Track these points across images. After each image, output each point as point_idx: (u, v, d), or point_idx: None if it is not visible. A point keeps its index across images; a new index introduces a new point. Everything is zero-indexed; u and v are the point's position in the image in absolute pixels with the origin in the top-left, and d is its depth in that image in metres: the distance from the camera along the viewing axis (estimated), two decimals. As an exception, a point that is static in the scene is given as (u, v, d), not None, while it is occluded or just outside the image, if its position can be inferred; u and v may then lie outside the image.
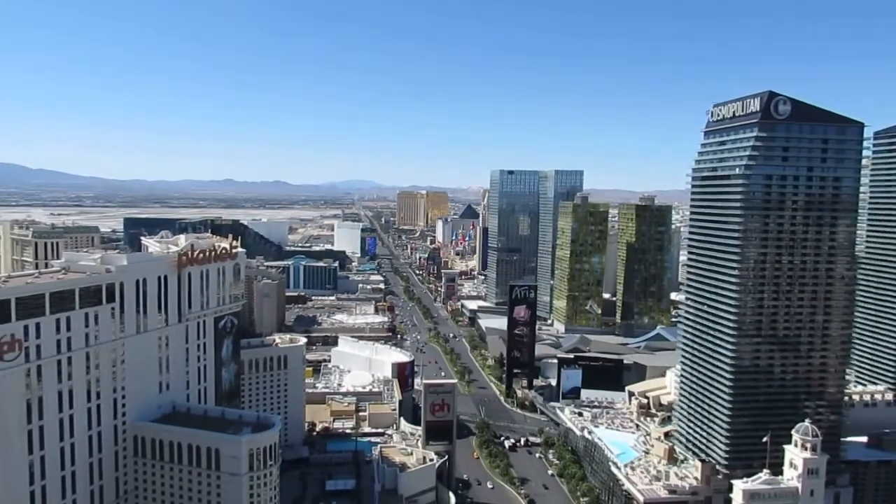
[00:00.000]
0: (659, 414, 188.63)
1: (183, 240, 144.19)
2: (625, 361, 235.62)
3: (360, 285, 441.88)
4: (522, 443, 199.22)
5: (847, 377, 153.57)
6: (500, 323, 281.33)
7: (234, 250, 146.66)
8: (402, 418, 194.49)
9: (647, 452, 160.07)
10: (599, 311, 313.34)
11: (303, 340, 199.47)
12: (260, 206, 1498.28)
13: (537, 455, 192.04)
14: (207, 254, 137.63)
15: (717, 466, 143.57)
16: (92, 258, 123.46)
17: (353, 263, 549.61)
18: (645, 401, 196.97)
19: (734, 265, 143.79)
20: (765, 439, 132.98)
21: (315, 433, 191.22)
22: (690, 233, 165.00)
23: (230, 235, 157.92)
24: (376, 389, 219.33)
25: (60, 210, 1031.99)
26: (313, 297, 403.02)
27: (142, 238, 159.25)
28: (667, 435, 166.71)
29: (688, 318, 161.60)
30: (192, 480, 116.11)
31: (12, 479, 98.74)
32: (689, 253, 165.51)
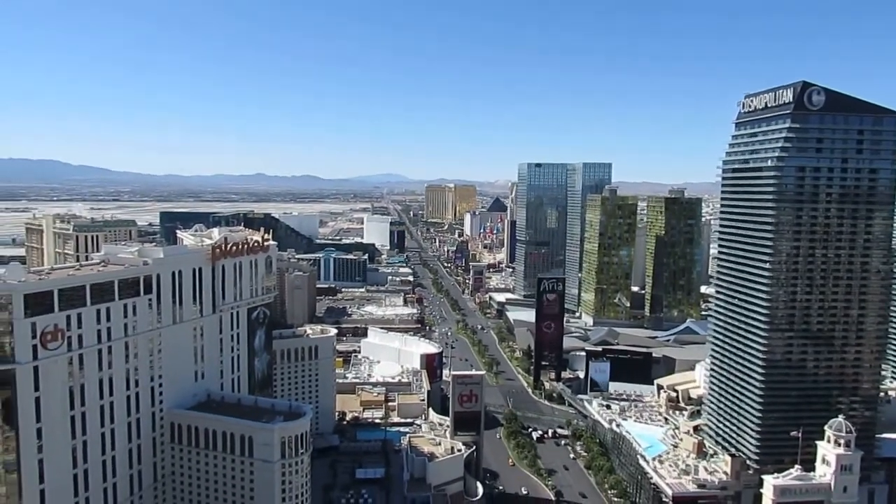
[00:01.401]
0: (688, 408, 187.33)
1: (216, 233, 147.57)
2: (653, 354, 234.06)
3: (390, 277, 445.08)
4: (550, 434, 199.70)
5: (882, 373, 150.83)
6: (528, 315, 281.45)
7: (265, 243, 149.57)
8: (430, 409, 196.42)
9: (675, 446, 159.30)
10: (628, 304, 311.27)
11: (333, 331, 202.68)
12: (291, 200, 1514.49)
13: (564, 445, 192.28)
14: (240, 247, 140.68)
15: (748, 461, 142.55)
16: (130, 251, 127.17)
17: (383, 256, 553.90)
18: (674, 394, 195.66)
19: (766, 258, 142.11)
20: (796, 434, 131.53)
21: (345, 422, 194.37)
22: (721, 226, 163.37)
23: (262, 229, 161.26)
24: (405, 380, 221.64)
25: (100, 205, 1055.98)
26: (343, 289, 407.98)
27: (177, 231, 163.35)
28: (696, 429, 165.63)
29: (718, 312, 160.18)
30: (227, 466, 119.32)
31: (58, 463, 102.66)
32: (720, 246, 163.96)
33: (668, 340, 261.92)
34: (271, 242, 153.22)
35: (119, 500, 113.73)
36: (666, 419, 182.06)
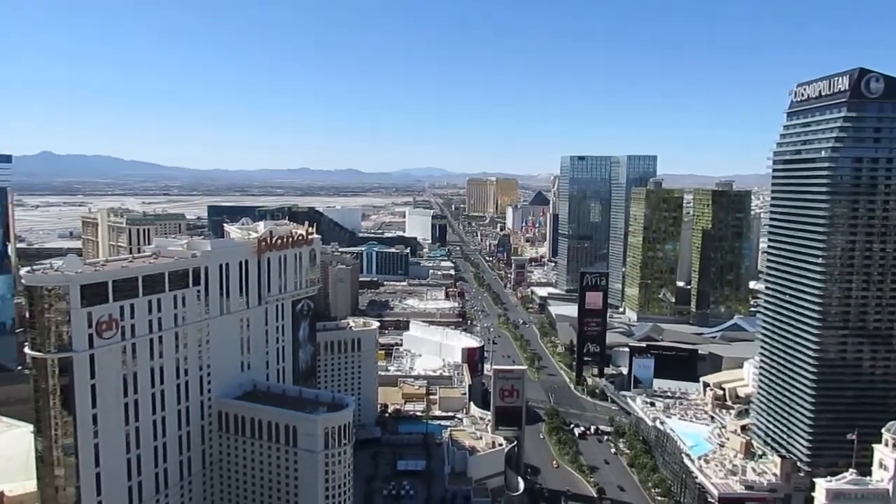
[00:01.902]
0: (735, 406, 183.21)
1: (262, 226, 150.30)
2: (699, 351, 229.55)
3: (431, 271, 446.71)
4: (592, 431, 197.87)
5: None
6: (571, 310, 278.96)
7: (310, 236, 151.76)
8: (471, 403, 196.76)
9: (721, 445, 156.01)
10: (673, 300, 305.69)
11: (375, 324, 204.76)
12: (334, 193, 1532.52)
13: (607, 441, 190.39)
14: (285, 240, 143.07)
15: (799, 463, 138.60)
16: (179, 244, 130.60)
17: (424, 249, 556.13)
18: (721, 392, 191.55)
19: (819, 253, 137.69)
20: (851, 437, 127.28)
21: (387, 415, 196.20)
22: (771, 219, 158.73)
23: (306, 222, 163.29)
24: (447, 374, 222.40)
25: (150, 199, 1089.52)
26: (385, 283, 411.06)
27: (224, 225, 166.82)
28: (744, 428, 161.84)
29: (768, 308, 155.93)
30: (272, 455, 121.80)
31: (112, 447, 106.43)
32: (770, 240, 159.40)
33: (714, 337, 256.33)
34: (315, 236, 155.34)
35: (170, 484, 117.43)
36: (712, 418, 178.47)
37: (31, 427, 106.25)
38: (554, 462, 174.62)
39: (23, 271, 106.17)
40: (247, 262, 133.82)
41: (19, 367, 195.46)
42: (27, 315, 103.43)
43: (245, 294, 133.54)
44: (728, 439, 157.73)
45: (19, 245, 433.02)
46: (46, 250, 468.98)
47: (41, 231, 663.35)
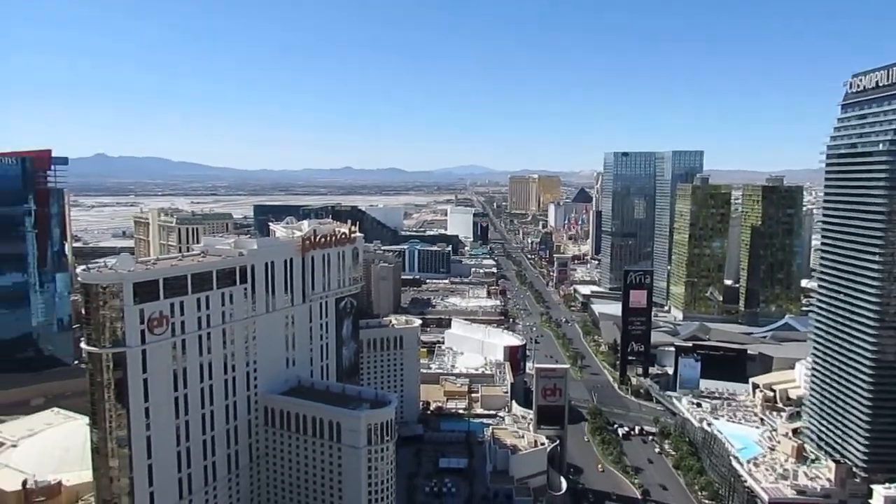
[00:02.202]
0: (786, 409, 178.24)
1: (306, 225, 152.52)
2: (748, 351, 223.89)
3: (473, 269, 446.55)
4: (636, 431, 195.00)
5: None
6: (614, 309, 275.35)
7: (353, 235, 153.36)
8: (513, 401, 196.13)
9: (772, 449, 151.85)
10: (720, 298, 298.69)
11: (418, 322, 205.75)
12: (376, 192, 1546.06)
13: (652, 441, 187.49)
14: (329, 238, 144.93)
15: (854, 469, 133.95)
16: (226, 242, 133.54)
17: (466, 248, 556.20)
18: (771, 394, 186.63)
19: (876, 250, 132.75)
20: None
21: (429, 412, 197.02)
22: (825, 215, 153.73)
23: (349, 221, 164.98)
24: (489, 372, 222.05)
25: (199, 199, 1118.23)
26: (427, 281, 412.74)
27: (269, 224, 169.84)
28: (795, 431, 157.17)
29: (821, 308, 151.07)
30: (316, 450, 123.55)
31: (163, 440, 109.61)
32: (824, 237, 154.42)
33: (764, 337, 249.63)
34: (358, 234, 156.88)
35: (218, 477, 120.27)
36: (762, 420, 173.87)
37: (87, 419, 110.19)
38: (599, 466, 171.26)
39: (79, 269, 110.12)
40: (291, 260, 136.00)
41: (76, 362, 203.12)
42: (83, 311, 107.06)
43: (290, 292, 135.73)
44: (779, 442, 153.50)
45: (75, 244, 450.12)
46: (101, 249, 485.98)
47: (96, 230, 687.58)
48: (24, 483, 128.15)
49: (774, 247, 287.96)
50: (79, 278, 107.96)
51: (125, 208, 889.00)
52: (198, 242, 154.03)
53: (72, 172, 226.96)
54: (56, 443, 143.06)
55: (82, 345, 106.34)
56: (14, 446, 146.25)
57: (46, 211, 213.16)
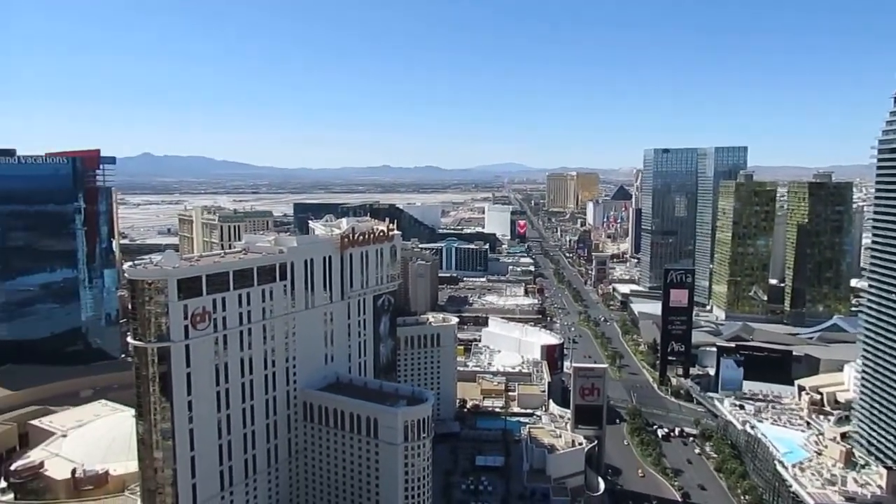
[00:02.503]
0: (834, 412, 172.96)
1: (345, 223, 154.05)
2: (794, 353, 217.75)
3: (510, 267, 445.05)
4: (677, 433, 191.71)
5: None
6: (654, 308, 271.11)
7: (390, 233, 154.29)
8: (550, 400, 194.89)
9: (819, 453, 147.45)
10: (765, 298, 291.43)
11: (455, 320, 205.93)
12: (414, 190, 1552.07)
13: (692, 443, 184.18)
14: (367, 236, 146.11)
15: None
16: (267, 240, 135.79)
17: (504, 246, 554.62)
18: (818, 397, 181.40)
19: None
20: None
21: (466, 410, 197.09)
22: (875, 212, 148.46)
23: (387, 219, 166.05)
24: (525, 370, 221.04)
25: (240, 197, 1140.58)
26: (465, 279, 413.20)
27: (309, 222, 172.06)
28: (843, 436, 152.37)
29: (872, 308, 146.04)
30: (353, 446, 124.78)
31: (206, 433, 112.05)
32: (874, 235, 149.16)
33: (811, 338, 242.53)
34: (396, 232, 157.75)
35: (258, 470, 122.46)
36: (808, 423, 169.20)
37: (133, 411, 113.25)
38: (640, 471, 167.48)
39: (126, 266, 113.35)
40: (330, 257, 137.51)
41: (122, 355, 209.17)
42: (129, 307, 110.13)
43: (329, 289, 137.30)
44: (826, 447, 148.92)
45: (122, 241, 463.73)
46: (147, 246, 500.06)
47: (142, 228, 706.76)
48: (74, 472, 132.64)
49: (822, 245, 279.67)
50: (125, 274, 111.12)
51: (170, 206, 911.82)
52: (239, 240, 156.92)
53: (119, 171, 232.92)
54: (103, 433, 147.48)
55: (128, 339, 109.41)
56: (64, 436, 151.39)
57: (95, 209, 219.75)
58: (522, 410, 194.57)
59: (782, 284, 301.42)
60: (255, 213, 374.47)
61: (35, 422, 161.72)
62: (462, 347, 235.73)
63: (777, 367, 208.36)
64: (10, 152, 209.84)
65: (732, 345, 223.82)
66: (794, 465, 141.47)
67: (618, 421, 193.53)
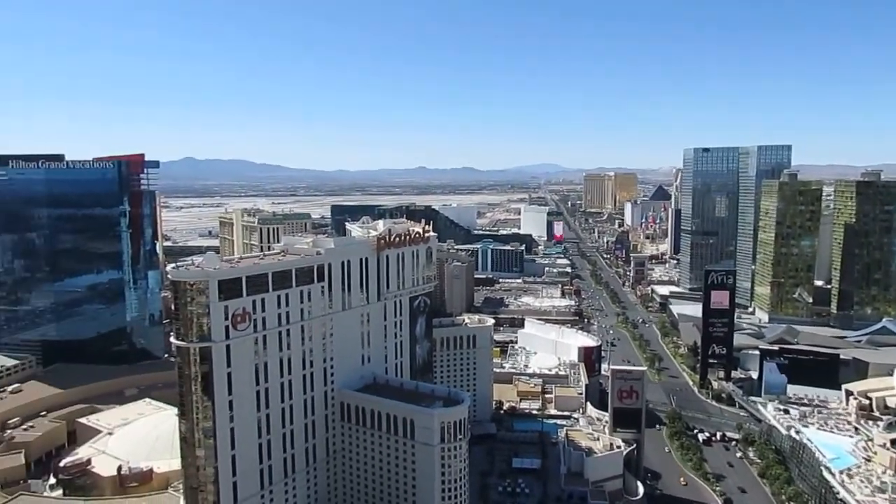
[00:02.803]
0: (884, 418, 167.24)
1: (381, 225, 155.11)
2: (841, 356, 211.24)
3: (547, 269, 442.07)
4: (718, 437, 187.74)
5: None
6: (694, 310, 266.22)
7: (426, 234, 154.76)
8: (588, 403, 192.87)
9: (867, 460, 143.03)
10: (810, 300, 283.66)
11: (491, 321, 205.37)
12: (450, 191, 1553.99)
13: (735, 447, 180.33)
14: (403, 238, 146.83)
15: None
16: (305, 242, 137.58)
17: (540, 247, 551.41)
18: (866, 402, 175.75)
19: None
20: None
21: (502, 411, 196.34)
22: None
23: (423, 220, 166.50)
24: (562, 372, 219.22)
25: (279, 199, 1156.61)
26: (500, 280, 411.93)
27: (346, 223, 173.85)
28: (894, 442, 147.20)
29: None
30: (390, 447, 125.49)
31: (246, 432, 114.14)
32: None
33: (859, 341, 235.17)
34: (431, 234, 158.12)
35: (296, 469, 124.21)
36: (856, 429, 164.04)
37: (176, 410, 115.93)
38: (682, 479, 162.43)
39: (169, 267, 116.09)
40: (367, 259, 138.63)
41: (166, 355, 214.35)
42: (172, 307, 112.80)
43: (365, 290, 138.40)
44: (875, 453, 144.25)
45: (166, 243, 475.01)
46: (189, 248, 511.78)
47: (184, 230, 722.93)
48: (119, 469, 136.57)
49: (871, 245, 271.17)
50: (168, 276, 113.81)
51: (211, 209, 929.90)
52: (278, 242, 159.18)
53: (162, 175, 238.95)
54: (148, 432, 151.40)
55: (171, 339, 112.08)
56: (110, 434, 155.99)
57: (139, 212, 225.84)
58: (559, 413, 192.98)
59: (828, 286, 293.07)
60: (293, 216, 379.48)
61: (83, 420, 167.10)
62: (498, 349, 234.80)
63: (823, 370, 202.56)
64: (58, 157, 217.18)
65: (776, 348, 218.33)
66: (841, 472, 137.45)
67: (658, 427, 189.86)
